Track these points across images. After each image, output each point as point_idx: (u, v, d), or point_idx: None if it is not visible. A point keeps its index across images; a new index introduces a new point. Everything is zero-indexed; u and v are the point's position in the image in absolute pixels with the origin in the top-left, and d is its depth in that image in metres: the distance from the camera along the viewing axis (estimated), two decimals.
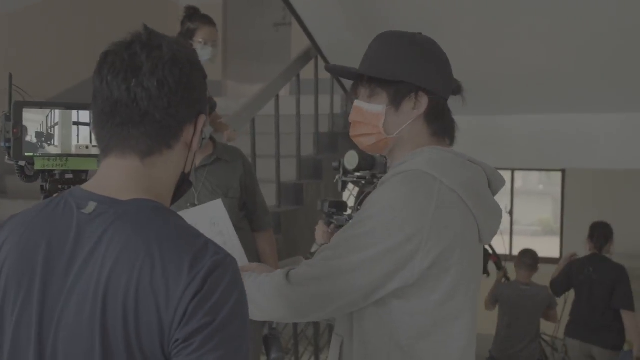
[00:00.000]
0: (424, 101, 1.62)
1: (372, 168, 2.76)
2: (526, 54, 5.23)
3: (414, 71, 1.62)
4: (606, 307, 5.07)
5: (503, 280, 6.02)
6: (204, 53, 3.87)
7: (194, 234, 1.22)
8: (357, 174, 2.82)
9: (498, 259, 6.19)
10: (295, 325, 4.55)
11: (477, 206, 1.58)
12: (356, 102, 1.70)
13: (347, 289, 1.54)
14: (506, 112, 6.44)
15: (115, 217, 1.21)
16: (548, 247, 10.25)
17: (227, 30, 8.05)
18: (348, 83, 5.67)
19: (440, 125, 1.67)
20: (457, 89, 1.71)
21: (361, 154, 2.77)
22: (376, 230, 1.53)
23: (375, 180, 2.78)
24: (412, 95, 1.63)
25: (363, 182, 2.83)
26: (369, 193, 2.70)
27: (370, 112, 1.66)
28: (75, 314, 1.17)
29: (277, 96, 4.90)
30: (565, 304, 5.82)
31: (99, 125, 1.28)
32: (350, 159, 2.75)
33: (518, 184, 12.25)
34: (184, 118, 1.28)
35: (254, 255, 3.26)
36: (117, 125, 1.25)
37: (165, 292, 1.13)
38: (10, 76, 1.72)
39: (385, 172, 2.77)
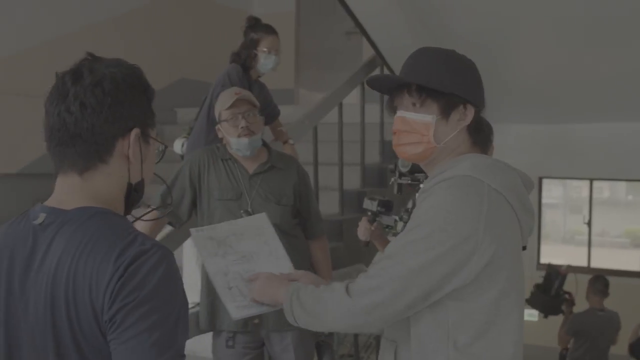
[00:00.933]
0: (470, 113, 1.72)
1: (416, 172, 2.77)
2: (598, 61, 5.10)
3: (462, 84, 1.73)
4: None
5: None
6: (268, 62, 3.97)
7: (127, 231, 1.37)
8: (411, 175, 2.83)
9: (571, 298, 6.12)
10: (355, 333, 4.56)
11: (519, 207, 1.67)
12: (401, 113, 1.76)
13: (407, 294, 1.61)
14: (581, 120, 6.30)
15: (62, 224, 1.39)
16: (632, 260, 9.89)
17: (300, 38, 8.14)
18: None
19: (480, 136, 1.77)
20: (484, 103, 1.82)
21: None
22: (433, 235, 1.60)
23: (420, 186, 2.79)
24: (460, 107, 1.72)
25: (419, 183, 2.83)
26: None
27: (420, 121, 1.72)
28: (32, 314, 1.35)
29: (341, 104, 4.93)
30: None
31: (47, 149, 1.45)
32: (405, 161, 2.76)
33: (605, 194, 11.89)
34: (112, 134, 1.42)
35: (307, 262, 3.29)
36: (55, 147, 1.43)
37: (96, 281, 1.30)
38: None
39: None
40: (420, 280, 1.59)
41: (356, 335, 4.58)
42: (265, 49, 3.98)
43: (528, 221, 1.73)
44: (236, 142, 3.12)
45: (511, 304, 1.67)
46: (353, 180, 5.19)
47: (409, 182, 2.89)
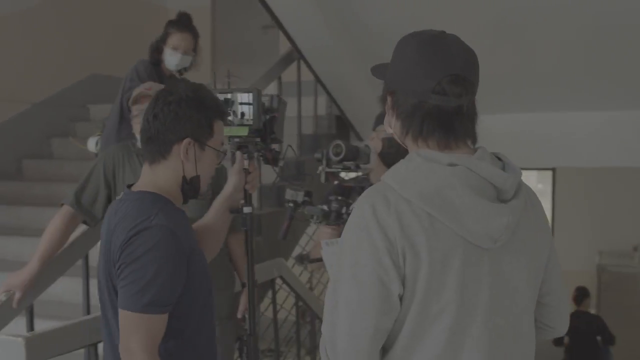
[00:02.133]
0: (395, 101, 1.60)
1: (355, 158, 2.76)
2: (511, 55, 5.25)
3: (391, 72, 1.62)
4: None
5: None
6: (171, 59, 3.86)
7: (149, 211, 1.95)
8: (342, 164, 2.80)
9: None
10: (275, 328, 4.56)
11: (442, 213, 1.47)
12: None
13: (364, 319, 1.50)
14: (492, 111, 6.45)
15: (126, 200, 2.05)
16: None
17: (216, 33, 8.07)
18: (331, 85, 5.67)
19: (418, 126, 1.57)
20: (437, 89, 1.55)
21: (347, 144, 2.77)
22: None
23: (359, 171, 2.79)
24: (388, 96, 1.64)
25: (347, 172, 2.81)
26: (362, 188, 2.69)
27: None
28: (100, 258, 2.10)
29: None
30: None
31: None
32: (337, 149, 2.74)
33: None
34: (170, 140, 2.02)
35: (226, 257, 3.27)
36: (142, 144, 2.11)
37: (116, 243, 1.95)
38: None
39: (368, 162, 2.78)
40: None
41: (277, 330, 4.58)
42: (170, 46, 3.89)
43: (465, 223, 1.47)
44: (138, 139, 3.08)
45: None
46: (271, 175, 5.17)
47: (339, 170, 2.86)
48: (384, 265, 1.45)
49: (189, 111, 2.01)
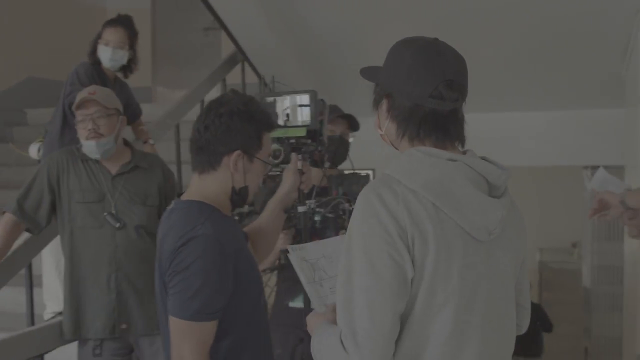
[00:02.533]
0: (389, 104, 1.66)
1: (289, 161, 2.73)
2: None
3: (385, 75, 1.68)
4: None
5: None
6: (104, 54, 3.83)
7: (196, 221, 1.97)
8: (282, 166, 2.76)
9: None
10: None
11: (447, 204, 1.53)
12: None
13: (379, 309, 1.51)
14: None
15: (175, 210, 2.08)
16: None
17: (156, 35, 7.93)
18: (275, 87, 5.59)
19: (415, 128, 1.62)
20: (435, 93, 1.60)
21: (285, 147, 2.73)
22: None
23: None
24: (383, 98, 1.69)
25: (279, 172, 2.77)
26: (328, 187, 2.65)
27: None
28: None
29: (203, 101, 4.86)
30: None
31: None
32: (276, 152, 2.70)
33: None
34: (220, 151, 2.04)
35: None
36: (191, 153, 2.10)
37: (166, 252, 1.99)
38: None
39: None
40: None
41: None
42: (102, 42, 3.85)
43: (466, 214, 1.53)
44: (85, 145, 3.03)
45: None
46: None
47: (276, 173, 2.82)
48: (398, 248, 1.49)
49: (240, 124, 2.03)
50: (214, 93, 5.18)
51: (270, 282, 6.33)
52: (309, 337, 2.87)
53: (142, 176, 3.13)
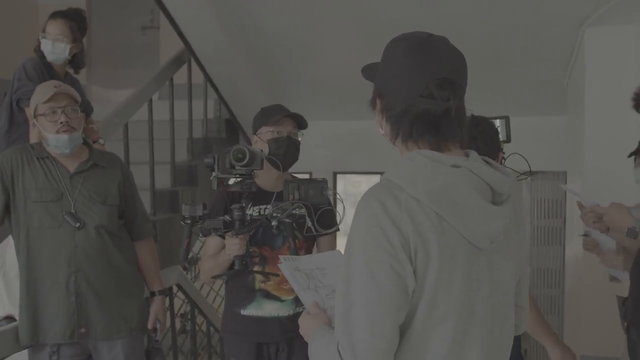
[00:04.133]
0: (383, 105, 1.61)
1: (252, 164, 2.69)
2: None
3: (380, 75, 1.62)
4: None
5: None
6: (45, 47, 3.72)
7: None
8: (239, 170, 2.70)
9: None
10: (174, 337, 4.42)
11: (450, 213, 1.49)
12: None
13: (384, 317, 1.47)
14: (367, 117, 6.54)
15: None
16: None
17: (91, 34, 7.72)
18: (222, 87, 5.60)
19: (418, 129, 1.57)
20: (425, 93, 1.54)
21: (249, 148, 2.69)
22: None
23: (253, 174, 2.71)
24: (377, 99, 1.64)
25: (240, 178, 2.71)
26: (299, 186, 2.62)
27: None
28: None
29: (151, 101, 4.75)
30: None
31: None
32: (238, 154, 2.65)
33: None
34: None
35: (134, 265, 3.12)
36: None
37: None
38: None
39: (261, 167, 2.72)
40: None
41: (175, 339, 4.44)
42: (45, 34, 3.74)
43: (469, 223, 1.50)
44: (54, 139, 2.89)
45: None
46: (163, 180, 5.02)
47: (235, 175, 2.75)
48: (400, 260, 1.44)
49: None
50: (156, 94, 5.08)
51: (220, 290, 6.28)
52: (270, 342, 2.82)
53: (102, 175, 3.03)
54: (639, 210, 2.79)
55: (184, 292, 4.55)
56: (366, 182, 10.57)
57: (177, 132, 5.19)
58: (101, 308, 2.93)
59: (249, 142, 6.26)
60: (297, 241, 2.79)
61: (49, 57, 3.76)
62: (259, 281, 2.87)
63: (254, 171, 2.72)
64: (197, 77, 5.53)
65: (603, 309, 3.71)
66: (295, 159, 2.94)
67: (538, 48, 4.92)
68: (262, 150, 2.79)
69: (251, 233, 2.76)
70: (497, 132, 2.87)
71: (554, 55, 5.02)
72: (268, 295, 2.87)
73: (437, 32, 1.62)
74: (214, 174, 2.71)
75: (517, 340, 3.16)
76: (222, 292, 6.54)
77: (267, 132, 2.86)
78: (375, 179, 10.55)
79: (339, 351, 1.48)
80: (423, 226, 1.46)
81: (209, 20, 4.85)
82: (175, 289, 4.41)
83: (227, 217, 2.69)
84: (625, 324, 2.92)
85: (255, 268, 2.85)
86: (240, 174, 2.72)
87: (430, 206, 1.47)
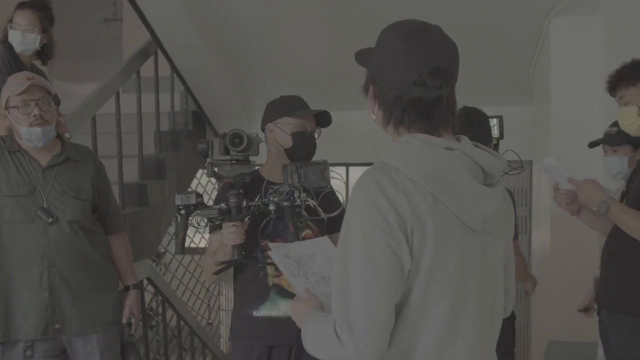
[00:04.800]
0: (377, 91, 1.64)
1: (249, 149, 2.62)
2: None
3: (375, 62, 1.65)
4: None
5: None
6: (13, 38, 3.65)
7: None
8: (233, 156, 2.62)
9: None
10: (145, 331, 4.39)
11: (444, 194, 1.52)
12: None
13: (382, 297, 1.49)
14: (343, 108, 6.54)
15: None
16: None
17: (53, 26, 7.61)
18: (190, 79, 5.54)
19: (410, 115, 1.59)
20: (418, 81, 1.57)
21: (247, 132, 2.62)
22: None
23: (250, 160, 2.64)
24: (371, 85, 1.67)
25: (234, 162, 2.62)
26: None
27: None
28: None
29: (118, 93, 4.70)
30: None
31: None
32: (235, 138, 2.58)
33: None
34: None
35: (108, 259, 3.09)
36: None
37: None
38: None
39: (257, 152, 2.65)
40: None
41: (146, 334, 4.42)
42: (13, 25, 3.67)
43: (463, 204, 1.53)
44: (27, 132, 2.85)
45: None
46: (131, 173, 4.97)
47: (228, 162, 2.66)
48: (397, 239, 1.47)
49: None
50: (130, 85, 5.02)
51: (215, 290, 6.25)
52: (283, 344, 2.70)
53: (75, 169, 2.99)
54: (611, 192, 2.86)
55: (154, 286, 4.52)
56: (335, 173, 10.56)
57: (143, 125, 5.14)
58: (75, 303, 2.90)
59: (216, 135, 6.23)
60: (310, 231, 2.68)
61: (18, 49, 3.69)
62: (272, 276, 2.66)
63: (250, 157, 2.63)
64: (163, 69, 5.49)
65: (569, 295, 3.78)
66: (312, 156, 2.81)
67: (504, 39, 4.97)
68: (257, 135, 2.68)
69: (247, 220, 2.60)
70: (488, 121, 2.94)
71: (519, 45, 5.08)
72: (282, 292, 2.65)
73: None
74: (208, 160, 2.62)
75: (510, 321, 3.26)
76: (192, 285, 6.54)
77: (290, 124, 2.71)
78: (342, 171, 10.59)
79: (335, 330, 1.49)
80: (419, 207, 1.49)
81: (177, 12, 4.80)
82: (145, 282, 4.38)
83: (222, 205, 2.57)
84: (596, 306, 2.98)
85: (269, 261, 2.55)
86: (236, 160, 2.64)
87: (426, 187, 1.50)
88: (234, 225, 2.53)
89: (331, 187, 2.70)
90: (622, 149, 3.13)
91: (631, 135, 2.92)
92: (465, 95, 5.79)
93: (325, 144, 6.35)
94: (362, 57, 1.71)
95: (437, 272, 1.51)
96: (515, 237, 3.06)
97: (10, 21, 3.69)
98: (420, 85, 1.55)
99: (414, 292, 1.51)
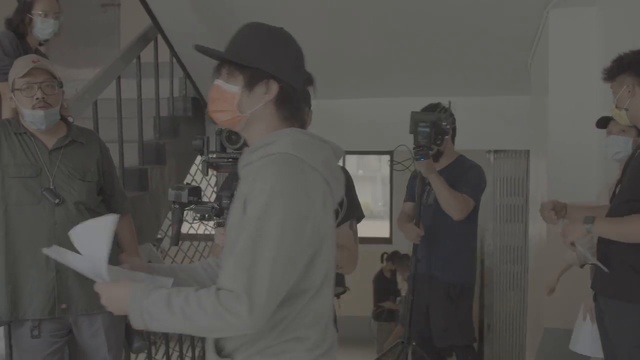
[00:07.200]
0: (274, 88, 1.81)
1: (245, 147, 2.63)
2: (358, 42, 5.42)
3: (269, 60, 1.81)
4: None
5: None
6: (45, 26, 3.67)
7: None
8: (224, 153, 2.61)
9: None
10: None
11: (332, 181, 1.80)
12: (216, 81, 1.87)
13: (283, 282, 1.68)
14: (342, 96, 6.56)
15: None
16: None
17: None
18: (189, 65, 5.56)
19: (288, 111, 1.84)
20: (307, 81, 1.90)
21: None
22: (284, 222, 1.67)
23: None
24: (264, 82, 1.81)
25: (230, 160, 2.62)
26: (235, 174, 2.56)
27: (228, 91, 1.83)
28: None
29: (119, 78, 4.72)
30: None
31: None
32: (232, 135, 2.58)
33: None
34: None
35: (114, 241, 3.11)
36: None
37: None
38: None
39: None
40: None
41: None
42: (40, 12, 3.66)
43: (339, 191, 1.88)
44: (30, 114, 2.88)
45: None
46: (131, 158, 4.99)
47: (222, 160, 2.64)
48: (309, 225, 1.67)
49: None
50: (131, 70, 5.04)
51: None
52: None
53: (80, 151, 3.03)
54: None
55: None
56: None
57: (145, 110, 5.16)
58: (82, 284, 2.92)
59: (214, 122, 6.24)
60: None
61: (43, 36, 3.70)
62: None
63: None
64: (162, 55, 5.49)
65: (565, 282, 3.83)
66: None
67: (502, 29, 5.00)
68: None
69: None
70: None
71: (517, 36, 5.11)
72: None
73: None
74: (202, 157, 2.62)
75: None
76: None
77: None
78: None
79: (220, 302, 1.60)
80: (324, 193, 1.74)
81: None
82: None
83: (215, 204, 2.56)
84: (594, 293, 3.04)
85: None
86: (233, 158, 2.58)
87: (324, 175, 1.75)
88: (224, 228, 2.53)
89: None
90: (630, 130, 3.19)
91: (621, 124, 3.02)
92: (463, 85, 5.87)
93: (320, 133, 6.35)
94: (240, 53, 1.85)
95: (332, 250, 1.80)
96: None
97: (31, 7, 3.67)
98: (308, 85, 1.94)
99: (316, 270, 1.74)
